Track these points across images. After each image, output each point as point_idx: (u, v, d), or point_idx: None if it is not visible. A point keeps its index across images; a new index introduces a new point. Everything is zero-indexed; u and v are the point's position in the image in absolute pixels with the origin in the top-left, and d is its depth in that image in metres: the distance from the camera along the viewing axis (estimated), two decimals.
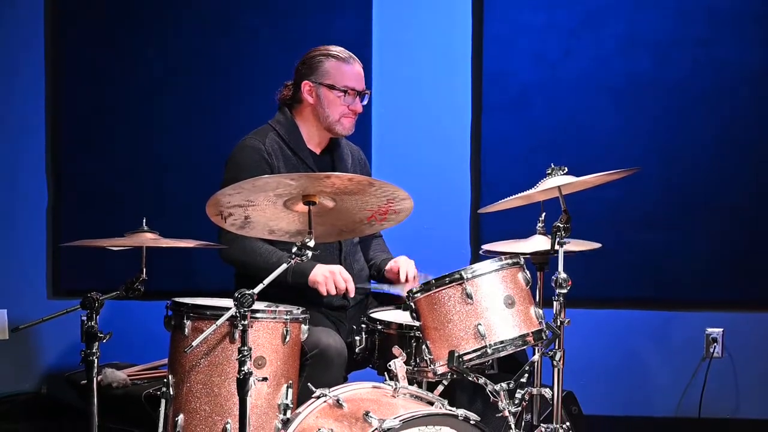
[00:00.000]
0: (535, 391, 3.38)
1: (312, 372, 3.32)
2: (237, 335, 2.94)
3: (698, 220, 4.78)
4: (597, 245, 3.71)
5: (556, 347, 3.25)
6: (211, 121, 4.86)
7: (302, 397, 3.15)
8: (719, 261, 4.77)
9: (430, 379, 3.19)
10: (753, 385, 4.84)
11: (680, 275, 4.78)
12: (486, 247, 3.72)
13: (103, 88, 4.90)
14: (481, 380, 3.07)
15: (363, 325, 3.43)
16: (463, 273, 3.08)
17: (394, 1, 4.93)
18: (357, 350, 3.41)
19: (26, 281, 4.92)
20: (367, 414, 2.83)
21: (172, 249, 3.29)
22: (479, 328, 3.05)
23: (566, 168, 3.30)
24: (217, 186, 3.08)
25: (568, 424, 3.33)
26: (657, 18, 4.79)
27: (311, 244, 2.97)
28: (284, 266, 2.95)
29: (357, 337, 3.41)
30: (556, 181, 3.27)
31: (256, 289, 2.87)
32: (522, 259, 3.20)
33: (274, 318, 3.18)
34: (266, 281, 2.92)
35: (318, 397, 3.01)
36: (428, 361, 3.10)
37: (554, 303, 3.24)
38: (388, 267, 3.76)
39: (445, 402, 3.02)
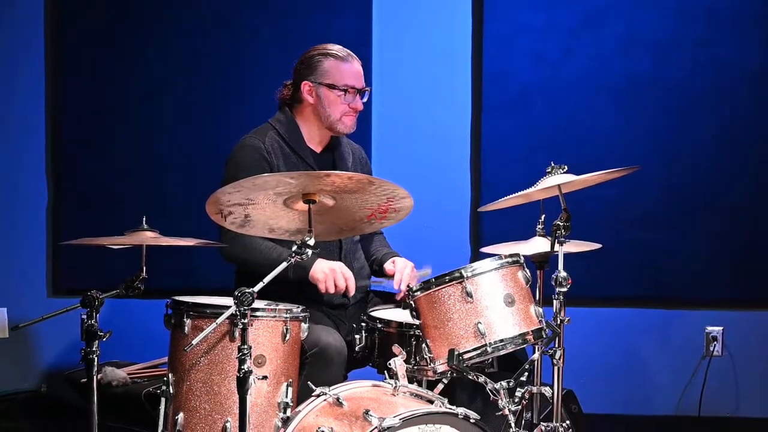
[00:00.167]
0: (535, 389, 3.39)
1: (312, 370, 3.32)
2: (237, 334, 2.94)
3: (698, 220, 4.78)
4: (597, 246, 3.71)
5: (556, 346, 3.25)
6: (211, 121, 4.87)
7: (302, 395, 3.15)
8: (719, 260, 4.78)
9: (430, 378, 3.19)
10: (753, 384, 4.84)
11: (680, 274, 4.79)
12: (485, 249, 3.71)
13: (103, 88, 4.91)
14: (481, 379, 3.07)
15: (363, 324, 3.42)
16: (463, 271, 3.08)
17: (394, 1, 4.93)
18: (357, 349, 3.40)
19: (26, 280, 4.92)
20: (367, 412, 2.83)
21: (172, 248, 3.30)
22: (479, 327, 3.04)
23: (566, 166, 3.30)
24: (217, 186, 3.08)
25: (568, 422, 3.33)
26: (657, 18, 4.80)
27: (311, 242, 2.97)
28: (284, 265, 2.95)
29: (357, 336, 3.41)
30: (556, 180, 3.27)
31: (256, 288, 2.87)
32: (522, 258, 3.20)
33: (274, 316, 3.18)
34: (266, 279, 2.92)
35: (318, 396, 3.01)
36: (428, 360, 3.10)
37: (554, 301, 3.24)
38: (386, 268, 3.75)
39: (445, 400, 3.02)
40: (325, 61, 3.72)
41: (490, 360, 3.32)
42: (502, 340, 3.06)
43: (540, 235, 3.53)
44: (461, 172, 4.89)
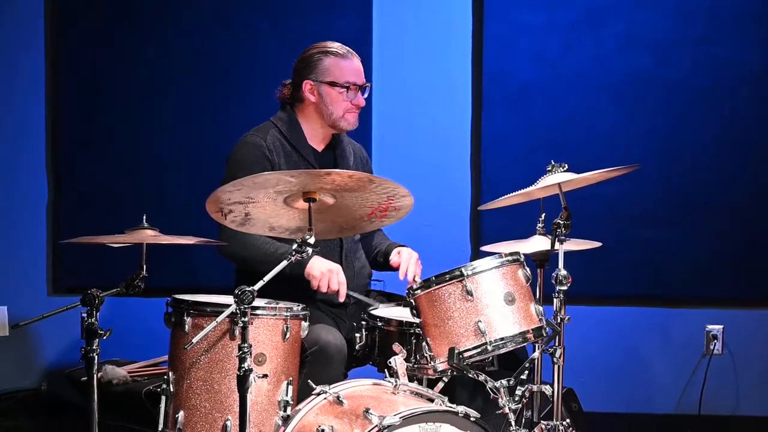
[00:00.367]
0: (535, 388, 3.39)
1: (312, 369, 3.31)
2: (237, 332, 2.93)
3: (698, 219, 4.79)
4: (597, 244, 3.71)
5: (557, 344, 3.26)
6: (211, 121, 4.86)
7: (302, 394, 3.15)
8: (719, 259, 4.78)
9: (430, 376, 3.19)
10: (753, 382, 4.84)
11: (680, 272, 4.79)
12: (485, 248, 3.72)
13: (103, 88, 4.91)
14: (482, 377, 3.07)
15: (363, 322, 3.42)
16: (463, 270, 3.08)
17: (395, 1, 4.93)
18: (357, 347, 3.40)
19: (26, 278, 4.92)
20: (367, 411, 2.83)
21: (172, 246, 3.29)
22: (479, 325, 3.04)
23: (566, 165, 3.31)
24: (217, 184, 3.08)
25: (568, 421, 3.33)
26: (657, 17, 4.80)
27: (312, 241, 2.97)
28: (284, 263, 2.95)
29: (357, 334, 3.41)
30: (557, 178, 3.27)
31: (257, 286, 2.86)
32: (522, 256, 3.20)
33: (275, 315, 3.18)
34: (267, 278, 2.91)
35: (318, 394, 3.00)
36: (428, 358, 3.10)
37: (554, 300, 3.24)
38: (392, 259, 3.74)
39: (446, 399, 3.02)
40: (325, 59, 3.72)
41: (491, 358, 3.31)
42: (502, 339, 3.06)
43: (540, 234, 3.53)
44: (461, 170, 4.89)
